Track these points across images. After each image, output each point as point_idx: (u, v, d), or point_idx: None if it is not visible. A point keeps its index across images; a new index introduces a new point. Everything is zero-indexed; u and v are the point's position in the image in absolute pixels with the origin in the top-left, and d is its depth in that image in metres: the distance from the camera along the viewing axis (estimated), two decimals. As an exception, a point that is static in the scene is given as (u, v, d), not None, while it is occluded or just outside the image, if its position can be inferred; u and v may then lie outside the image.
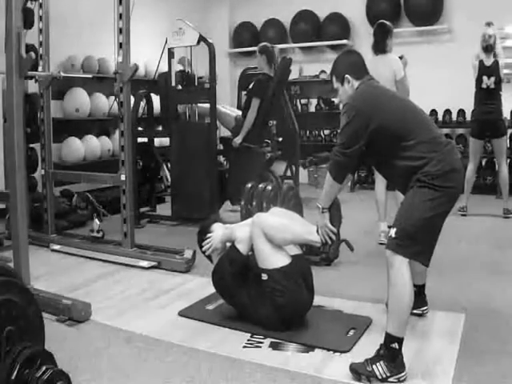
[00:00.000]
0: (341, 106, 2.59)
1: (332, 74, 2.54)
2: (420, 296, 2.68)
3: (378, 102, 2.33)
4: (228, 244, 2.75)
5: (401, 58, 4.26)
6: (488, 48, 5.07)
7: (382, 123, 2.26)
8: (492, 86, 5.06)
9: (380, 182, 4.21)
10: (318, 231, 2.56)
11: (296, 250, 2.66)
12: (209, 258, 2.86)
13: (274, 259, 2.53)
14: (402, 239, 2.15)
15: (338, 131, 2.39)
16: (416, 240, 2.15)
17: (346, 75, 2.43)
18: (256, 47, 5.22)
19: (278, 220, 2.61)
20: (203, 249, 2.83)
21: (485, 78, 5.07)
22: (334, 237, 2.54)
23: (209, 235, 2.81)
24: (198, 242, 2.89)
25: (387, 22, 4.28)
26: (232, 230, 2.75)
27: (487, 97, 5.10)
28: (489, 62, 5.05)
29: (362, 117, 2.27)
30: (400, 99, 2.47)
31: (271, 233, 2.53)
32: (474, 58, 5.15)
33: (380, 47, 4.18)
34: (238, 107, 5.84)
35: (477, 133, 5.23)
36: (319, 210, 2.50)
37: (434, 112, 6.83)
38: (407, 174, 2.23)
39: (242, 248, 2.63)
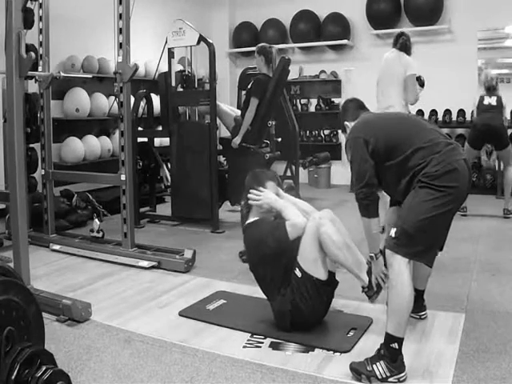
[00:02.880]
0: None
1: (341, 129, 2.73)
2: (419, 301, 2.68)
3: (368, 124, 2.45)
4: (273, 210, 2.66)
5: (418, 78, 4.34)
6: (490, 89, 5.16)
7: (376, 141, 2.32)
8: (494, 103, 5.12)
9: None
10: (368, 272, 2.52)
11: (333, 267, 2.61)
12: (247, 207, 2.77)
13: (314, 266, 2.50)
14: (401, 239, 2.16)
15: (351, 175, 2.47)
16: (415, 240, 2.15)
17: (345, 123, 2.61)
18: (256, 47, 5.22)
19: (338, 237, 2.50)
20: (250, 196, 2.70)
21: (486, 97, 5.14)
22: (385, 283, 2.45)
23: (262, 189, 2.70)
24: (247, 187, 2.76)
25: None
26: (285, 205, 2.64)
27: (489, 110, 5.12)
28: (492, 101, 5.13)
29: (360, 142, 2.35)
30: (391, 117, 2.59)
31: (327, 243, 2.47)
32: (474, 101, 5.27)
33: (405, 46, 4.27)
34: (238, 107, 5.85)
35: (474, 141, 5.20)
36: (373, 258, 2.43)
37: (433, 112, 6.83)
38: (411, 182, 2.23)
39: (291, 233, 2.52)
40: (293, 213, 2.58)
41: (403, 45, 4.26)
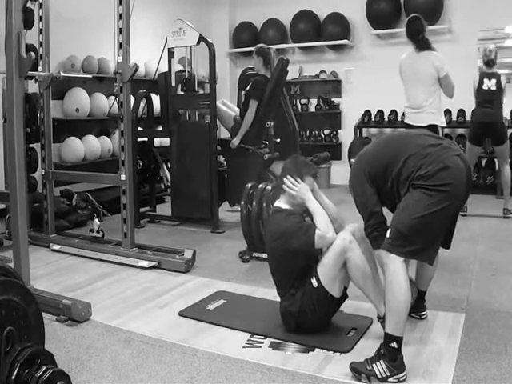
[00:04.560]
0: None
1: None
2: (419, 301, 2.68)
3: (362, 156, 2.48)
4: (304, 206, 2.62)
5: None
6: (489, 63, 5.05)
7: (371, 167, 2.36)
8: (493, 88, 5.01)
9: None
10: (385, 303, 2.50)
11: (347, 283, 2.59)
12: (278, 189, 2.73)
13: (332, 283, 2.48)
14: (395, 239, 2.17)
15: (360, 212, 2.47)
16: (410, 239, 2.15)
17: (351, 160, 2.60)
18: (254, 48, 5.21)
19: (364, 266, 2.47)
20: (286, 182, 2.64)
21: (486, 80, 5.03)
22: None
23: (300, 181, 2.63)
24: (286, 170, 2.70)
25: (419, 15, 4.07)
26: (318, 210, 2.55)
27: (487, 99, 5.01)
28: (491, 85, 5.03)
29: (359, 175, 2.39)
30: (380, 139, 2.60)
31: (352, 268, 2.45)
32: (474, 83, 5.13)
33: (424, 44, 4.01)
34: (238, 107, 5.84)
35: (475, 138, 5.16)
36: None
37: (404, 115, 6.80)
38: (408, 190, 2.24)
39: (318, 243, 2.47)
40: (325, 222, 2.51)
41: (425, 42, 4.03)
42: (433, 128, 3.83)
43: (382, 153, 2.41)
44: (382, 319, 2.53)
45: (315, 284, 2.49)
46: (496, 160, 6.18)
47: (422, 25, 4.04)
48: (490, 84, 5.02)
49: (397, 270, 2.14)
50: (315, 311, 2.50)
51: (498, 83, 5.02)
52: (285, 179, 2.66)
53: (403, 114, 4.40)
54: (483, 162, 6.67)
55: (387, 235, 2.20)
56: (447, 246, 2.46)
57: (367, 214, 2.37)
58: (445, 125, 4.16)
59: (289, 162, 2.78)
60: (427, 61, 4.00)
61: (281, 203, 2.72)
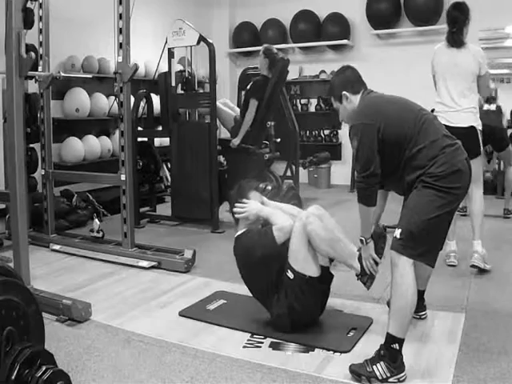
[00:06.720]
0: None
1: (330, 95, 2.56)
2: (419, 301, 2.68)
3: (379, 110, 2.33)
4: (260, 219, 2.67)
5: None
6: (489, 99, 5.07)
7: (385, 131, 2.24)
8: (493, 109, 5.05)
9: (477, 189, 3.67)
10: (359, 259, 2.50)
11: (325, 261, 2.59)
12: (235, 219, 2.77)
13: (306, 265, 2.49)
14: (406, 240, 2.15)
15: (355, 158, 2.36)
16: (421, 241, 2.15)
17: (344, 92, 2.43)
18: (257, 47, 5.22)
19: (327, 233, 2.49)
20: (235, 210, 2.72)
21: (486, 104, 5.03)
22: (376, 269, 2.46)
23: (245, 201, 2.70)
24: (231, 201, 2.78)
25: (464, 2, 3.56)
26: (271, 212, 2.64)
27: (488, 113, 4.97)
28: (491, 107, 5.05)
29: (370, 129, 2.24)
30: (400, 106, 2.39)
31: (316, 240, 2.47)
32: None
33: (458, 39, 3.56)
34: (238, 106, 5.85)
35: None
36: (363, 242, 2.42)
37: (433, 111, 6.81)
38: (414, 182, 2.22)
39: (279, 237, 2.53)
40: (280, 218, 2.59)
41: (455, 38, 3.60)
42: (473, 130, 3.51)
43: (400, 119, 2.27)
44: (359, 275, 2.53)
45: (291, 275, 2.50)
46: (496, 160, 6.21)
47: (462, 15, 3.53)
48: (490, 107, 5.10)
49: (406, 272, 2.14)
50: (303, 302, 2.50)
51: (498, 108, 5.06)
52: (234, 210, 2.72)
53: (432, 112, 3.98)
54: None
55: (397, 236, 2.17)
56: (441, 247, 2.45)
57: (368, 171, 2.25)
58: (481, 127, 3.64)
59: (232, 192, 2.83)
60: (469, 55, 3.55)
61: (239, 231, 2.74)
